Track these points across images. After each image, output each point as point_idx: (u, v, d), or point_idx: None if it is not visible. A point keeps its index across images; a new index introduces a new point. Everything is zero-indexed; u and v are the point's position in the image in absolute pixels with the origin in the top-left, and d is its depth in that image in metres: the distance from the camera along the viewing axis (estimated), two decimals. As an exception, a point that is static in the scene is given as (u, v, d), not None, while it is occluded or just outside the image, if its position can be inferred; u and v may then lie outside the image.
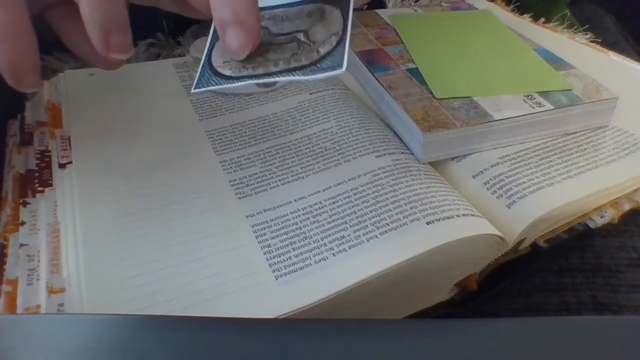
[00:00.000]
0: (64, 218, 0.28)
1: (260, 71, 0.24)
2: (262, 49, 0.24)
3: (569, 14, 0.58)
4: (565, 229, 0.32)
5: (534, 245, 0.32)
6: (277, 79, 0.23)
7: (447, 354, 0.18)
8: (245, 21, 0.23)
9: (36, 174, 0.31)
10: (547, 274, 0.33)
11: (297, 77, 0.23)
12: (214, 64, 0.25)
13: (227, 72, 0.24)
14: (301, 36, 0.24)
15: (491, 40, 0.42)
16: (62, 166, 0.31)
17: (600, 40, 0.48)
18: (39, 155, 0.32)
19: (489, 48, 0.41)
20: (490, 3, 0.53)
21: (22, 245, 0.26)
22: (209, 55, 0.25)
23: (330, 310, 0.25)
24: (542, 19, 0.51)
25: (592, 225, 0.32)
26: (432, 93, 0.35)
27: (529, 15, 0.52)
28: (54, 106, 0.36)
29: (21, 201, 0.29)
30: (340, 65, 0.22)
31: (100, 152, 0.32)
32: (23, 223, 0.28)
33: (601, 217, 0.33)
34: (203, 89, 0.24)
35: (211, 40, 0.26)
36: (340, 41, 0.23)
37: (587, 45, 0.46)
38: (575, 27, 0.53)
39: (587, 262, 0.33)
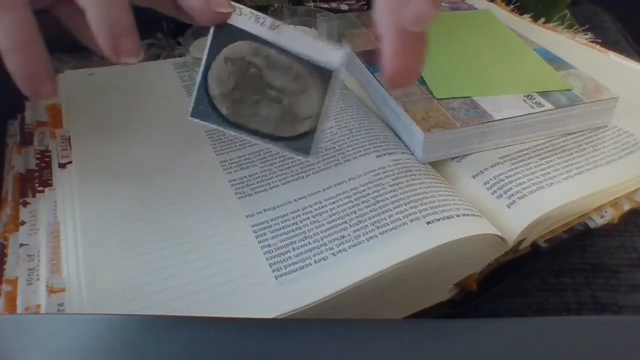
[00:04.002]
0: (64, 218, 0.28)
1: (252, 125, 0.26)
2: (255, 98, 0.26)
3: (569, 14, 0.58)
4: (565, 229, 0.32)
5: (534, 245, 0.32)
6: (261, 142, 0.26)
7: (447, 354, 0.18)
8: None
9: (36, 174, 0.31)
10: (547, 274, 0.33)
11: (276, 147, 0.27)
12: (211, 92, 0.26)
13: (224, 111, 0.26)
14: (286, 101, 0.26)
15: (491, 40, 0.42)
16: (62, 166, 0.31)
17: (600, 40, 0.48)
18: (39, 155, 0.32)
19: (489, 48, 0.41)
20: (490, 3, 0.53)
21: (22, 245, 0.26)
22: (205, 77, 0.26)
23: (330, 310, 0.25)
24: (542, 19, 0.51)
25: (592, 225, 0.32)
26: (432, 93, 0.35)
27: (529, 15, 0.52)
28: (54, 106, 0.36)
29: (21, 201, 0.29)
30: (307, 153, 0.26)
31: (100, 152, 0.32)
32: (23, 223, 0.28)
33: (601, 217, 0.33)
34: (200, 122, 0.26)
35: (208, 57, 0.26)
36: (314, 129, 0.26)
37: (587, 45, 0.46)
38: (575, 27, 0.53)
39: (587, 262, 0.33)
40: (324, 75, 0.25)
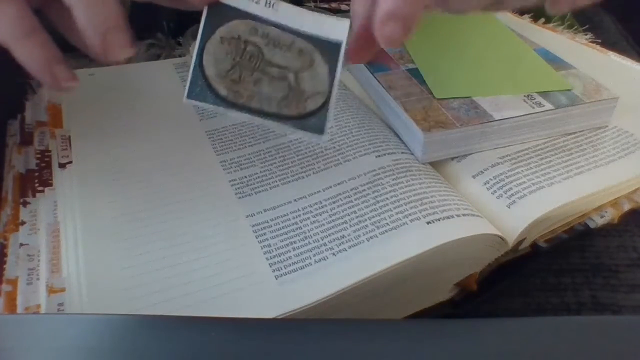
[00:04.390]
0: (64, 218, 0.28)
1: (254, 104, 0.25)
2: (255, 76, 0.25)
3: (569, 14, 0.58)
4: (565, 229, 0.32)
5: (534, 245, 0.32)
6: (266, 122, 0.25)
7: (447, 354, 0.18)
8: (403, 11, 0.22)
9: (36, 174, 0.31)
10: (547, 274, 0.33)
11: (284, 128, 0.25)
12: (207, 72, 0.25)
13: (222, 92, 0.25)
14: (291, 78, 0.25)
15: (491, 40, 0.42)
16: (62, 166, 0.31)
17: (600, 41, 0.48)
18: (39, 155, 0.32)
19: (489, 48, 0.41)
20: (490, 3, 0.53)
21: (22, 245, 0.26)
22: (200, 57, 0.25)
23: (330, 310, 0.25)
24: (542, 19, 0.51)
25: (592, 225, 0.32)
26: (432, 93, 0.35)
27: (529, 15, 0.52)
28: (54, 106, 0.36)
29: (21, 201, 0.29)
30: (321, 132, 0.25)
31: (100, 152, 0.32)
32: (23, 223, 0.28)
33: (601, 217, 0.33)
34: (197, 103, 0.25)
35: (202, 37, 0.25)
36: (325, 105, 0.25)
37: (587, 46, 0.46)
38: (575, 27, 0.53)
39: (587, 262, 0.33)
40: (330, 48, 0.25)
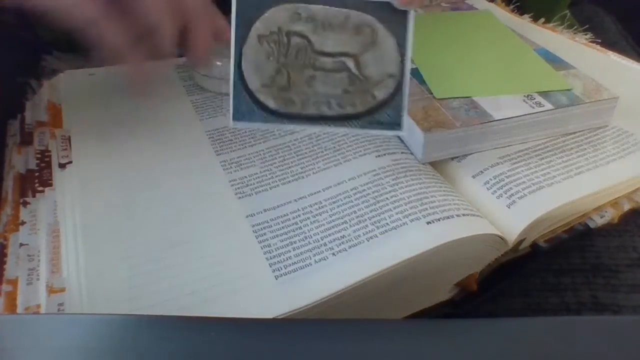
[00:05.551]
0: (64, 218, 0.28)
1: (311, 109, 0.21)
2: (306, 74, 0.21)
3: (569, 14, 0.58)
4: (565, 229, 0.32)
5: (534, 245, 0.32)
6: (331, 128, 0.21)
7: (447, 354, 0.18)
8: None
9: (36, 174, 0.31)
10: (547, 274, 0.33)
11: (353, 130, 0.21)
12: (250, 86, 0.21)
13: (271, 104, 0.21)
14: (351, 65, 0.21)
15: (491, 41, 0.42)
16: (62, 166, 0.31)
17: (600, 41, 0.48)
18: (39, 155, 0.32)
19: (489, 48, 0.41)
20: (490, 3, 0.53)
21: (22, 245, 0.26)
22: (238, 68, 0.21)
23: (330, 310, 0.25)
24: (542, 19, 0.51)
25: (592, 225, 0.32)
26: (432, 93, 0.35)
27: (529, 15, 0.52)
28: (54, 106, 0.36)
29: (21, 201, 0.29)
30: (399, 125, 0.21)
31: (100, 152, 0.32)
32: (23, 223, 0.28)
33: (601, 217, 0.33)
34: (245, 125, 0.21)
35: (237, 42, 0.20)
36: (399, 90, 0.20)
37: (587, 46, 0.46)
38: (575, 27, 0.53)
39: (587, 262, 0.33)
40: (395, 13, 0.20)
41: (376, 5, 0.20)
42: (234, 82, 0.21)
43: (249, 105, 0.21)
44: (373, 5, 0.20)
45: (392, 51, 0.20)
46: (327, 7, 0.20)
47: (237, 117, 0.21)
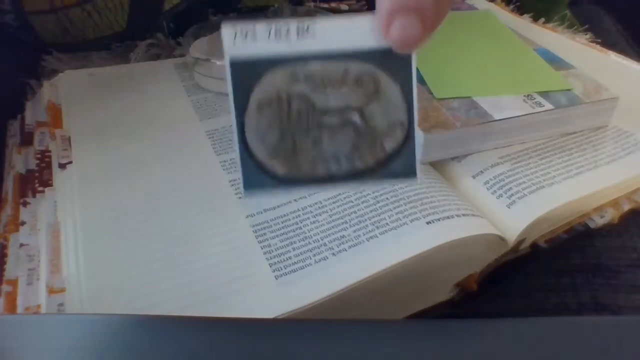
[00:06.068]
0: (64, 218, 0.28)
1: (320, 170, 0.20)
2: (312, 136, 0.20)
3: (569, 14, 0.58)
4: (565, 229, 0.32)
5: (534, 245, 0.32)
6: (341, 187, 0.20)
7: (447, 354, 0.18)
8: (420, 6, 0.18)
9: (36, 174, 0.31)
10: (547, 274, 0.33)
11: (365, 186, 0.20)
12: (257, 156, 0.20)
13: (279, 171, 0.20)
14: (356, 118, 0.19)
15: (491, 40, 0.42)
16: (62, 166, 0.31)
17: (600, 41, 0.48)
18: (39, 155, 0.32)
19: (489, 48, 0.41)
20: (490, 3, 0.53)
21: (22, 245, 0.26)
22: (242, 141, 0.20)
23: (330, 310, 0.25)
24: (542, 19, 0.51)
25: (592, 225, 0.32)
26: (432, 93, 0.35)
27: (529, 15, 0.52)
28: (54, 106, 0.36)
29: (21, 201, 0.29)
30: (413, 174, 0.20)
31: (100, 152, 0.32)
32: (23, 223, 0.28)
33: (601, 217, 0.33)
34: (257, 195, 0.20)
35: (237, 114, 0.19)
36: (408, 138, 0.19)
37: (587, 46, 0.46)
38: (575, 27, 0.53)
39: (587, 263, 0.33)
40: (396, 59, 0.19)
41: (375, 53, 0.19)
42: (240, 153, 0.20)
43: (259, 176, 0.20)
44: (372, 53, 0.19)
45: (397, 98, 0.19)
46: (325, 62, 0.19)
47: (248, 188, 0.20)
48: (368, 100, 0.19)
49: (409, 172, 0.20)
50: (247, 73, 0.19)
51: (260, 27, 0.19)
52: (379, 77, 0.19)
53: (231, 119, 0.19)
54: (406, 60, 0.19)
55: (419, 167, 0.20)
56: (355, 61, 0.19)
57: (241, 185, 0.20)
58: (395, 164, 0.20)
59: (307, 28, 0.19)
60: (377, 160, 0.20)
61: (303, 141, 0.20)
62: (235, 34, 0.19)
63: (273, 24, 0.19)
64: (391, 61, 0.19)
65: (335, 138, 0.20)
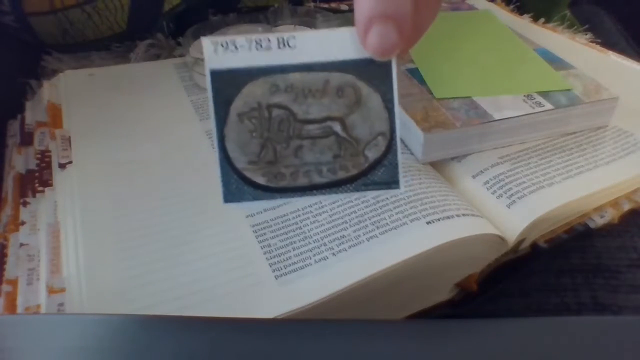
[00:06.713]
0: (64, 218, 0.28)
1: (301, 180, 0.20)
2: (293, 145, 0.20)
3: (569, 14, 0.58)
4: (565, 229, 0.32)
5: (534, 245, 0.32)
6: (325, 196, 0.20)
7: (447, 354, 0.18)
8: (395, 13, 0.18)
9: (36, 174, 0.31)
10: (547, 274, 0.33)
11: (348, 195, 0.20)
12: (237, 165, 0.20)
13: (260, 180, 0.20)
14: (338, 128, 0.20)
15: (491, 40, 0.42)
16: (62, 166, 0.31)
17: (600, 41, 0.48)
18: (39, 155, 0.32)
19: (489, 48, 0.41)
20: (490, 3, 0.53)
21: (22, 245, 0.26)
22: (223, 150, 0.20)
23: (330, 310, 0.25)
24: (542, 19, 0.51)
25: (592, 225, 0.32)
26: (432, 93, 0.35)
27: (529, 15, 0.52)
28: (54, 106, 0.36)
29: (21, 201, 0.29)
30: (396, 183, 0.20)
31: (100, 152, 0.32)
32: (23, 223, 0.28)
33: (601, 217, 0.33)
34: (237, 204, 0.20)
35: (217, 124, 0.20)
36: (390, 147, 0.20)
37: (587, 46, 0.46)
38: (575, 27, 0.53)
39: (587, 263, 0.33)
40: (377, 69, 0.19)
41: (356, 63, 0.19)
42: (220, 163, 0.20)
43: (238, 185, 0.20)
44: (352, 64, 0.19)
45: (379, 108, 0.20)
46: (305, 73, 0.19)
47: (228, 198, 0.20)
48: (349, 111, 0.19)
49: (392, 181, 0.20)
50: (227, 84, 0.19)
51: (241, 40, 0.19)
52: (359, 87, 0.19)
53: (212, 129, 0.20)
54: (387, 70, 0.19)
55: (401, 176, 0.20)
56: (336, 72, 0.19)
57: (222, 196, 0.20)
58: (378, 173, 0.20)
59: (288, 40, 0.19)
60: (360, 169, 0.20)
61: (284, 151, 0.20)
62: (216, 46, 0.19)
63: (253, 37, 0.19)
64: (372, 71, 0.19)
65: (316, 148, 0.20)
